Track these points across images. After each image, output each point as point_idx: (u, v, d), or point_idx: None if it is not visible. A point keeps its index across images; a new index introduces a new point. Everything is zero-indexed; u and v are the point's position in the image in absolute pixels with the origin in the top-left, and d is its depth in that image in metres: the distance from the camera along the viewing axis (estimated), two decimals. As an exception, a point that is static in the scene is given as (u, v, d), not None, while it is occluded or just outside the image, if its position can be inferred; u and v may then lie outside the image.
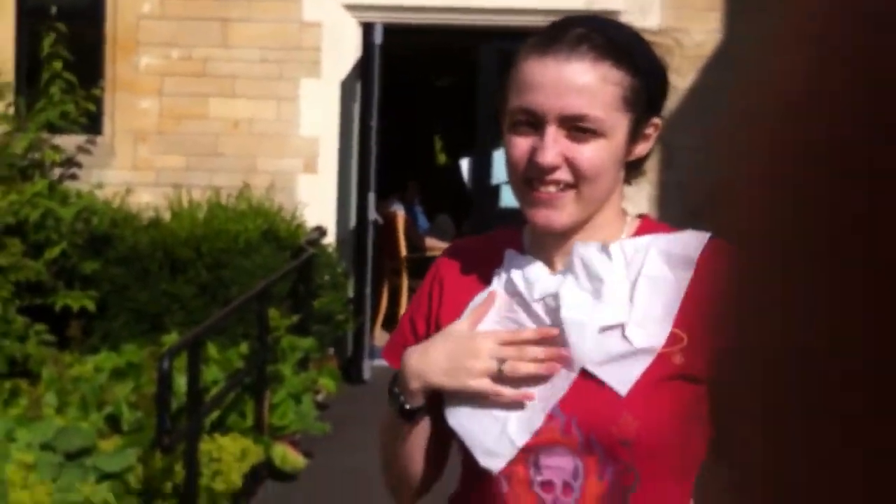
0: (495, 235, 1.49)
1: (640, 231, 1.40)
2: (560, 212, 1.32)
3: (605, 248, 1.34)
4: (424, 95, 11.94)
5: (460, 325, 1.38)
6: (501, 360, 1.32)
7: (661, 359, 1.29)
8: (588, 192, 1.32)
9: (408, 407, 1.38)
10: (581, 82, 1.28)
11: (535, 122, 1.30)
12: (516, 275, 1.38)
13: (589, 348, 1.31)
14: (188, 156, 7.19)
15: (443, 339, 1.38)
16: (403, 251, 8.03)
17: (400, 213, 8.20)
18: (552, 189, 1.31)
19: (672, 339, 1.30)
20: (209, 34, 7.23)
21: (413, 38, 7.86)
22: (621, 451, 1.28)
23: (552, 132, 1.29)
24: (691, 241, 1.33)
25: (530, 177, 1.32)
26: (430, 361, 1.36)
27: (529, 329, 1.35)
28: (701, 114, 7.03)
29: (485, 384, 1.33)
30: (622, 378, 1.29)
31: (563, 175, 1.30)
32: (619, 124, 1.31)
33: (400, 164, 9.95)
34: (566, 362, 1.32)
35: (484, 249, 1.46)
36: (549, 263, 1.38)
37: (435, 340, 1.38)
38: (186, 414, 4.13)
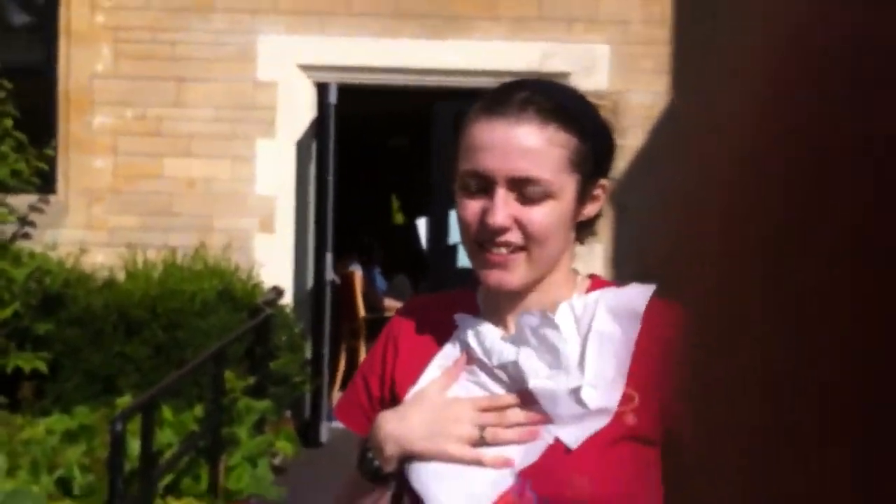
0: (450, 295, 1.51)
1: (590, 290, 1.42)
2: (511, 273, 1.33)
3: (547, 316, 1.35)
4: (380, 155, 12.01)
5: (433, 389, 1.38)
6: (482, 427, 1.33)
7: (614, 419, 1.30)
8: (538, 253, 1.33)
9: (385, 471, 1.38)
10: (528, 145, 1.30)
11: (484, 185, 1.32)
12: (472, 339, 1.39)
13: (562, 415, 1.31)
14: (143, 215, 7.14)
15: (419, 404, 1.38)
16: (362, 312, 8.01)
17: (358, 273, 8.21)
18: (503, 251, 1.32)
19: (624, 399, 1.31)
20: (164, 93, 7.23)
21: (367, 98, 7.93)
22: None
23: (502, 194, 1.30)
24: (636, 295, 1.35)
25: (482, 239, 1.33)
26: (409, 427, 1.36)
27: (507, 395, 1.35)
28: (651, 174, 7.22)
29: (466, 451, 1.33)
30: (574, 434, 1.31)
31: (514, 237, 1.32)
32: (567, 186, 1.33)
33: (356, 223, 9.96)
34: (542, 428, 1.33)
35: (439, 309, 1.47)
36: (503, 324, 1.40)
37: (411, 405, 1.38)
38: (139, 477, 4.07)
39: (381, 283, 9.48)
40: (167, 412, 5.09)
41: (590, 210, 1.39)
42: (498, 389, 1.37)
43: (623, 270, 6.52)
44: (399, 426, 1.37)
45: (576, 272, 1.44)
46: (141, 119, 7.24)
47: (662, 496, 1.32)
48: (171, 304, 5.95)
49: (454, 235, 7.58)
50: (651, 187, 6.32)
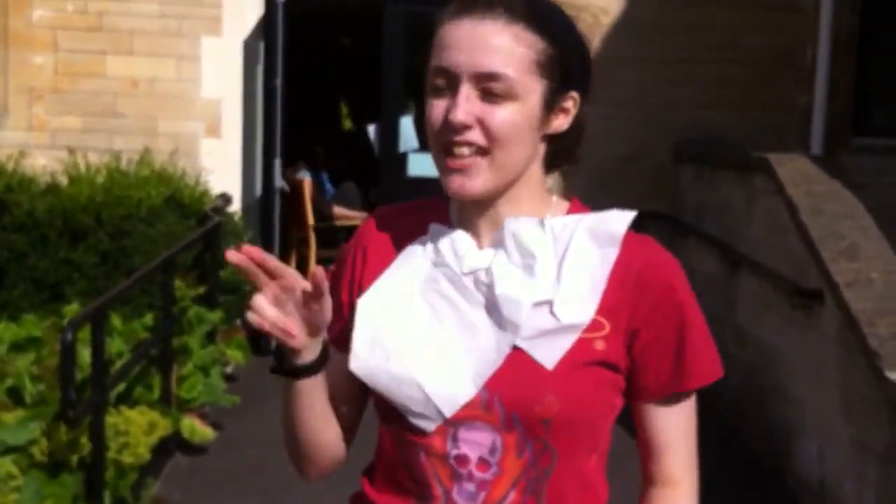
0: (422, 205, 1.49)
1: (570, 212, 1.43)
2: (473, 179, 1.33)
3: (539, 223, 1.37)
4: (329, 57, 11.76)
5: None
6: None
7: (584, 344, 1.33)
8: (501, 157, 1.32)
9: (297, 363, 1.35)
10: (494, 42, 1.30)
11: (451, 84, 1.31)
12: (444, 246, 1.39)
13: (523, 325, 1.33)
14: (85, 116, 6.96)
15: None
16: (311, 220, 7.96)
17: (307, 180, 8.11)
18: (465, 151, 1.32)
19: (595, 326, 1.34)
20: (105, -14, 6.98)
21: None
22: (541, 429, 1.31)
23: (465, 91, 1.30)
24: (617, 220, 1.38)
25: (445, 140, 1.32)
26: None
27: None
28: (601, 83, 7.17)
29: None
30: (549, 354, 1.32)
31: (476, 136, 1.31)
32: (533, 89, 1.32)
33: (304, 128, 9.81)
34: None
35: (410, 219, 1.46)
36: (477, 237, 1.40)
37: None
38: (91, 386, 4.06)
39: (330, 189, 9.40)
40: (116, 321, 5.05)
41: (559, 123, 1.37)
42: (459, 299, 1.37)
43: (572, 186, 6.53)
44: None
45: (550, 192, 1.43)
46: (82, 13, 6.99)
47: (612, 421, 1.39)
48: (117, 211, 5.85)
49: (406, 143, 7.52)
50: (603, 97, 6.32)
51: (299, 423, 1.42)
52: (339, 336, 1.44)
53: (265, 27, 6.93)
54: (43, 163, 6.72)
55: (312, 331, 1.33)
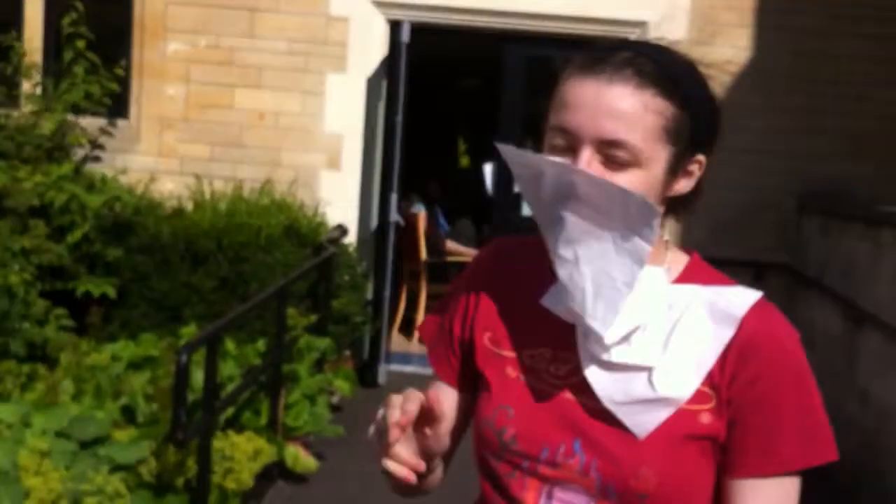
0: (532, 243, 1.43)
1: (689, 268, 1.37)
2: None
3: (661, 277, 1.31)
4: (449, 96, 11.89)
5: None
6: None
7: (688, 416, 1.27)
8: None
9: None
10: (620, 107, 1.23)
11: (571, 144, 1.26)
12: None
13: (625, 393, 1.28)
14: (213, 145, 7.18)
15: None
16: (424, 254, 7.99)
17: (422, 214, 8.17)
18: None
19: (701, 398, 1.27)
20: (237, 23, 7.21)
21: (439, 38, 7.84)
22: (637, 502, 1.26)
23: (586, 155, 1.24)
24: (739, 300, 1.30)
25: None
26: None
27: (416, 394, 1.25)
28: (726, 130, 7.06)
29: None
30: (641, 423, 1.27)
31: None
32: (658, 156, 1.26)
33: (422, 164, 9.91)
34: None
35: (529, 256, 1.42)
36: None
37: None
38: (202, 409, 4.12)
39: (444, 225, 9.44)
40: (230, 345, 5.14)
41: (681, 185, 1.32)
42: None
43: (693, 233, 6.41)
44: None
45: (668, 244, 1.37)
46: (214, 48, 7.23)
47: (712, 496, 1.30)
48: (237, 238, 5.98)
49: (521, 183, 7.48)
50: (729, 146, 6.22)
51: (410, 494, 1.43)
52: (451, 370, 1.42)
53: (388, 65, 7.05)
54: (170, 188, 6.95)
55: (425, 457, 1.29)
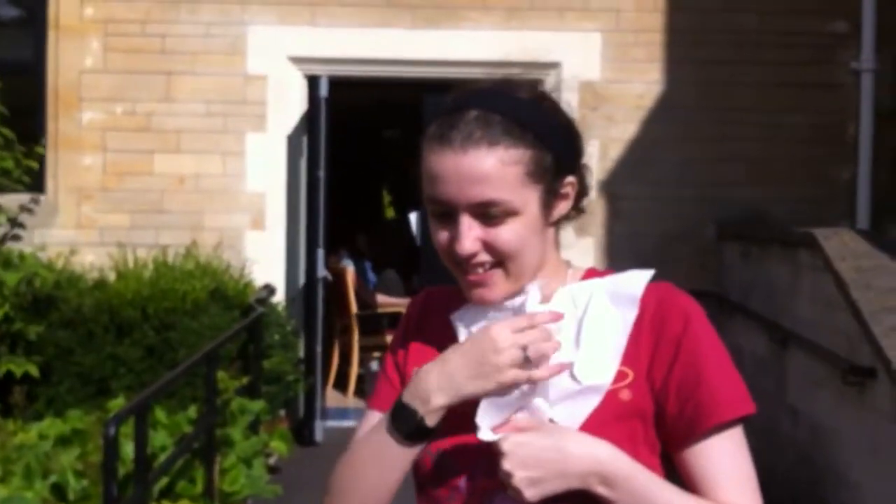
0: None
1: (588, 274, 1.44)
2: (491, 289, 1.35)
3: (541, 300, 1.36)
4: (371, 148, 11.95)
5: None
6: (524, 347, 1.29)
7: (610, 397, 1.32)
8: (514, 267, 1.35)
9: (428, 425, 1.32)
10: (479, 171, 1.30)
11: (448, 213, 1.33)
12: (461, 327, 1.41)
13: (554, 391, 1.32)
14: (133, 213, 7.10)
15: (454, 349, 1.33)
16: (354, 308, 7.98)
17: (350, 269, 8.17)
18: (480, 271, 1.34)
19: (618, 376, 1.33)
20: (153, 88, 7.19)
21: (358, 90, 7.89)
22: (574, 490, 1.28)
23: (466, 221, 1.31)
24: (635, 280, 1.37)
25: (456, 261, 1.35)
26: (455, 370, 1.30)
27: (542, 312, 1.33)
28: (643, 164, 7.23)
29: (516, 374, 1.29)
30: (572, 415, 1.31)
31: (485, 257, 1.33)
32: (530, 198, 1.33)
33: (347, 217, 9.91)
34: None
35: (450, 298, 1.47)
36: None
37: (448, 353, 1.33)
38: (134, 481, 4.04)
39: (372, 277, 9.45)
40: (160, 414, 5.06)
41: (561, 208, 1.39)
42: None
43: (617, 265, 6.49)
44: (443, 372, 1.31)
45: (568, 264, 1.45)
46: (130, 115, 7.19)
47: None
48: (162, 305, 5.92)
49: (447, 230, 7.55)
50: (645, 177, 6.35)
51: (381, 486, 1.36)
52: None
53: (308, 120, 7.07)
54: (91, 259, 6.85)
55: None
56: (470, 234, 1.31)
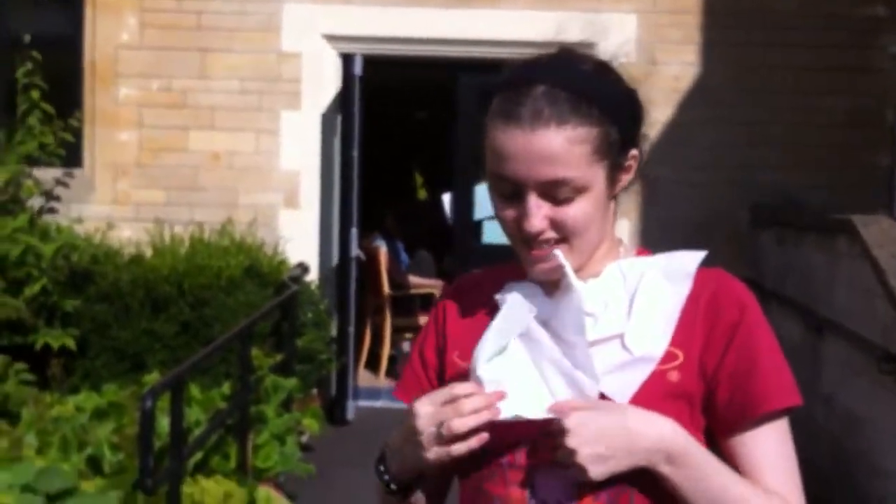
0: (500, 269, 1.51)
1: (639, 253, 1.46)
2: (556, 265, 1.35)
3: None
4: (404, 128, 11.92)
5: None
6: (439, 423, 1.29)
7: (658, 376, 1.32)
8: (579, 242, 1.35)
9: (393, 487, 1.38)
10: (549, 150, 1.29)
11: (516, 191, 1.33)
12: (516, 297, 1.40)
13: (603, 363, 1.32)
14: (168, 189, 7.15)
15: (404, 423, 1.37)
16: (387, 288, 7.99)
17: (382, 249, 8.17)
18: (545, 247, 1.34)
19: (668, 357, 1.33)
20: (188, 65, 7.21)
21: (393, 69, 7.88)
22: (633, 470, 1.29)
23: (533, 200, 1.32)
24: (688, 258, 1.38)
25: (523, 239, 1.35)
26: (397, 449, 1.37)
27: (464, 384, 1.32)
28: (678, 146, 7.18)
29: (438, 453, 1.30)
30: (622, 387, 1.32)
31: (552, 234, 1.34)
32: (597, 175, 1.33)
33: (380, 198, 9.92)
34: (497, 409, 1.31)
35: (489, 283, 1.48)
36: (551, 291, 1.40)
37: (400, 426, 1.39)
38: (169, 455, 4.08)
39: (404, 258, 9.45)
40: (194, 390, 5.10)
41: (624, 181, 1.40)
42: (547, 341, 1.35)
43: (652, 248, 6.47)
44: (393, 448, 1.38)
45: (620, 242, 1.45)
46: (166, 91, 7.22)
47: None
48: (197, 281, 5.95)
49: (479, 211, 7.55)
50: (680, 160, 6.30)
51: None
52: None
53: (342, 99, 7.07)
54: (127, 234, 6.90)
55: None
56: (539, 213, 1.32)
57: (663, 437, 1.27)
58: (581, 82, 1.33)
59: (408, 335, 8.25)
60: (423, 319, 8.06)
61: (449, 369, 1.46)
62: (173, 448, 4.06)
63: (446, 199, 8.19)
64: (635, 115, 1.39)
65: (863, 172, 7.08)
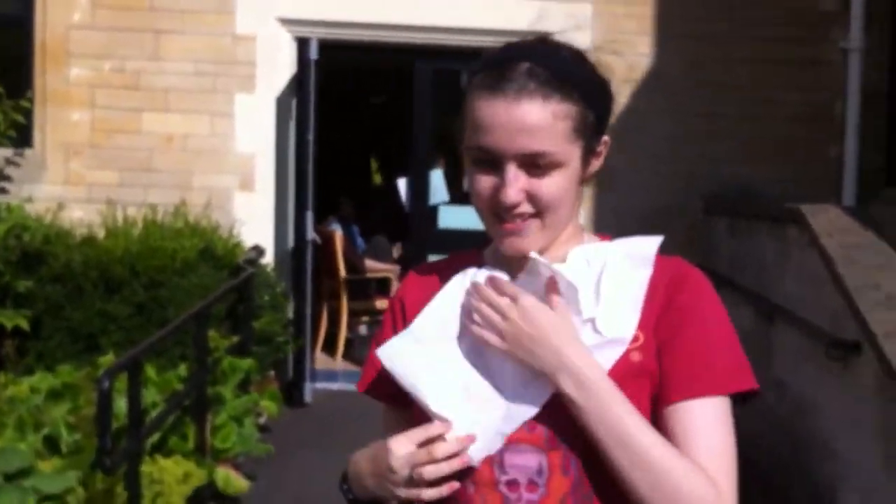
0: (455, 258, 1.53)
1: (602, 238, 1.49)
2: (526, 239, 1.38)
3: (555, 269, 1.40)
4: (359, 113, 11.88)
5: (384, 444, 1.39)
6: (413, 466, 1.34)
7: (622, 357, 1.35)
8: (551, 219, 1.38)
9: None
10: (533, 122, 1.32)
11: (493, 160, 1.35)
12: (482, 278, 1.42)
13: None
14: (121, 171, 7.06)
15: (373, 451, 1.41)
16: (343, 272, 7.99)
17: (338, 233, 8.17)
18: (518, 220, 1.37)
19: (631, 339, 1.37)
20: (142, 46, 7.12)
21: (348, 54, 7.86)
22: (585, 445, 1.32)
23: (512, 170, 1.34)
24: (647, 242, 1.42)
25: (496, 210, 1.37)
26: (363, 476, 1.42)
27: (436, 424, 1.35)
28: (631, 135, 7.26)
29: (408, 493, 1.35)
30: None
31: (526, 208, 1.36)
32: (573, 153, 1.36)
33: (335, 182, 9.89)
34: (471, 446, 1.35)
35: (445, 270, 1.50)
36: (512, 278, 1.43)
37: (368, 452, 1.44)
38: (127, 436, 4.06)
39: (360, 242, 9.46)
40: (150, 371, 5.06)
41: (594, 166, 1.43)
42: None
43: (607, 232, 6.54)
44: (357, 473, 1.44)
45: (583, 229, 1.49)
46: (119, 72, 7.12)
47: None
48: (151, 262, 5.89)
49: (435, 196, 7.58)
50: (635, 152, 6.39)
51: None
52: (392, 394, 1.46)
53: (298, 84, 7.04)
54: (79, 215, 6.81)
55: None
56: (516, 184, 1.34)
57: (575, 361, 1.31)
58: (563, 64, 1.37)
59: (364, 318, 8.28)
60: (379, 303, 8.11)
61: None
62: (131, 428, 4.04)
63: (402, 183, 8.20)
64: (608, 104, 1.43)
65: (813, 164, 7.23)
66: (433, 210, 7.56)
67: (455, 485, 1.33)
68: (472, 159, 1.38)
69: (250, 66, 7.17)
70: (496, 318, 1.35)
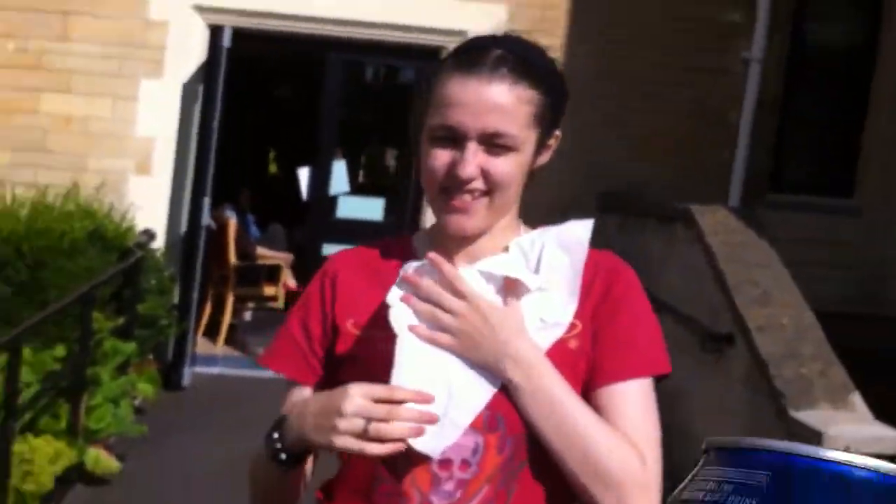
0: (384, 244, 1.58)
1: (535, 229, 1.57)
2: (471, 218, 1.43)
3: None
4: (261, 104, 11.87)
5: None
6: (369, 420, 1.31)
7: (560, 344, 1.42)
8: (499, 200, 1.43)
9: (282, 457, 1.40)
10: (500, 102, 1.39)
11: (455, 138, 1.40)
12: (428, 273, 1.43)
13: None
14: (14, 150, 6.94)
15: (326, 394, 1.38)
16: (233, 259, 7.98)
17: (232, 220, 8.16)
18: (467, 198, 1.42)
19: (569, 327, 1.43)
20: (49, 26, 7.01)
21: (257, 43, 7.82)
22: (523, 426, 1.38)
23: (472, 147, 1.39)
24: (580, 228, 1.48)
25: (447, 186, 1.42)
26: (305, 417, 1.37)
27: (406, 389, 1.35)
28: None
29: (349, 442, 1.31)
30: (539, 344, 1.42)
31: (479, 185, 1.42)
32: (530, 139, 1.43)
33: (232, 171, 9.85)
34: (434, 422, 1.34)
35: (374, 252, 1.55)
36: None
37: (319, 395, 1.41)
38: (3, 413, 4.02)
39: (254, 231, 9.47)
40: (26, 352, 4.97)
41: (543, 159, 1.50)
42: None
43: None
44: (299, 414, 1.39)
45: (521, 221, 1.55)
46: (22, 52, 7.00)
47: None
48: (38, 243, 5.81)
49: (336, 186, 7.61)
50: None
51: (278, 499, 1.49)
52: (312, 373, 1.51)
53: (207, 70, 6.99)
54: (-33, 195, 6.66)
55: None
56: (474, 161, 1.39)
57: (520, 349, 1.39)
58: (531, 55, 1.44)
59: (250, 305, 8.37)
60: (267, 290, 8.19)
61: (343, 338, 1.48)
62: (8, 408, 3.99)
63: (303, 173, 8.20)
64: (563, 99, 1.49)
65: (706, 166, 7.39)
66: (333, 200, 7.60)
67: (401, 445, 1.31)
68: (430, 138, 1.42)
69: (159, 51, 7.13)
70: (447, 317, 1.39)
